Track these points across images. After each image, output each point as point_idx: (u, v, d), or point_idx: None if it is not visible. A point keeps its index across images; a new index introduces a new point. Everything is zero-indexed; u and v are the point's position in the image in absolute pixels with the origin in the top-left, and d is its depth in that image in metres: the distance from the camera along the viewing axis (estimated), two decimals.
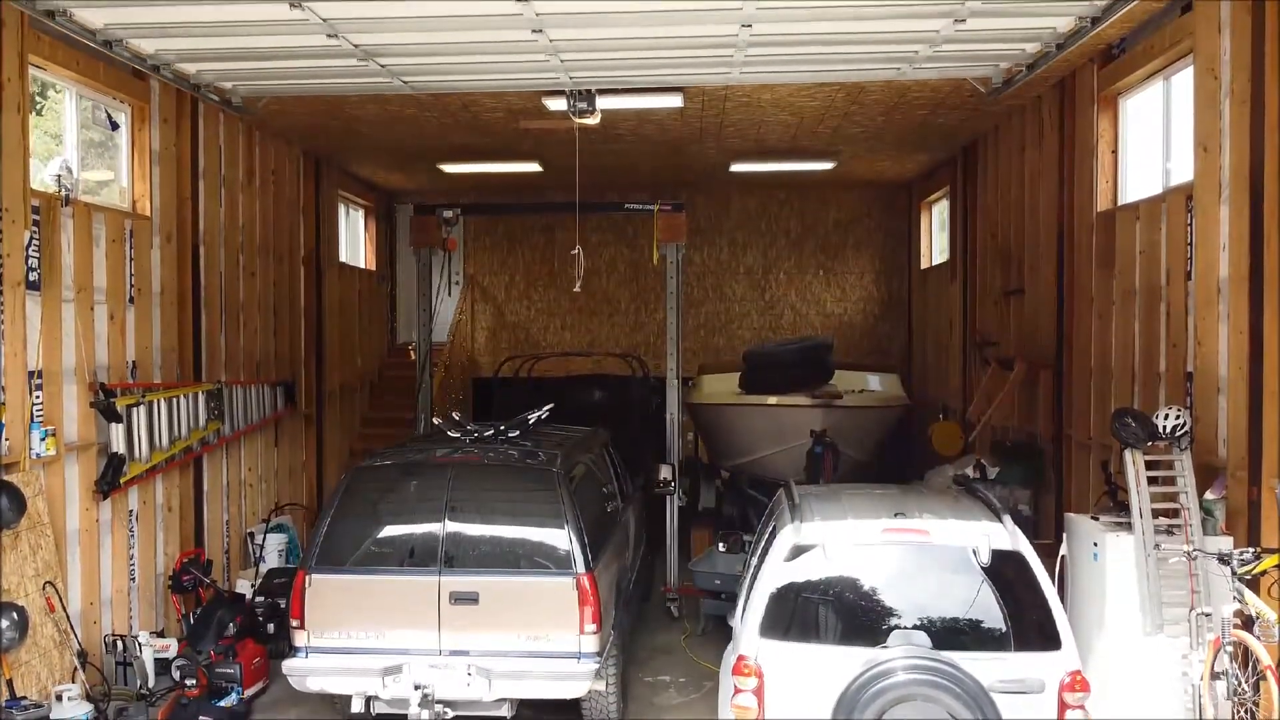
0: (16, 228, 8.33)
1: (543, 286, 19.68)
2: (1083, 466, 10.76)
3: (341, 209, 17.00)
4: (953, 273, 15.75)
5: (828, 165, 15.86)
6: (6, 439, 8.28)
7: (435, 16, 7.26)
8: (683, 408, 13.89)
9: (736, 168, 16.13)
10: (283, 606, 10.69)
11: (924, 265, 18.35)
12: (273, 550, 12.44)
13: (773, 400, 13.84)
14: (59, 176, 9.06)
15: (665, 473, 12.17)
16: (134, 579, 10.27)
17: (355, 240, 18.18)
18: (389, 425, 16.99)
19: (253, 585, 11.49)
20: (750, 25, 7.31)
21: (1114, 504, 8.40)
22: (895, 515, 6.67)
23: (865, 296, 19.66)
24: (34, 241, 8.64)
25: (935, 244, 18.03)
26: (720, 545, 10.04)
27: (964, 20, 7.33)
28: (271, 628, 10.59)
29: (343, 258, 16.87)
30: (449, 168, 15.86)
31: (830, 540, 6.46)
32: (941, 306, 16.61)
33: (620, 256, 19.43)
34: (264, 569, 12.05)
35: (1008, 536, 6.48)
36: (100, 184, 10.87)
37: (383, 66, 8.51)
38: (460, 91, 10.11)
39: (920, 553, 6.51)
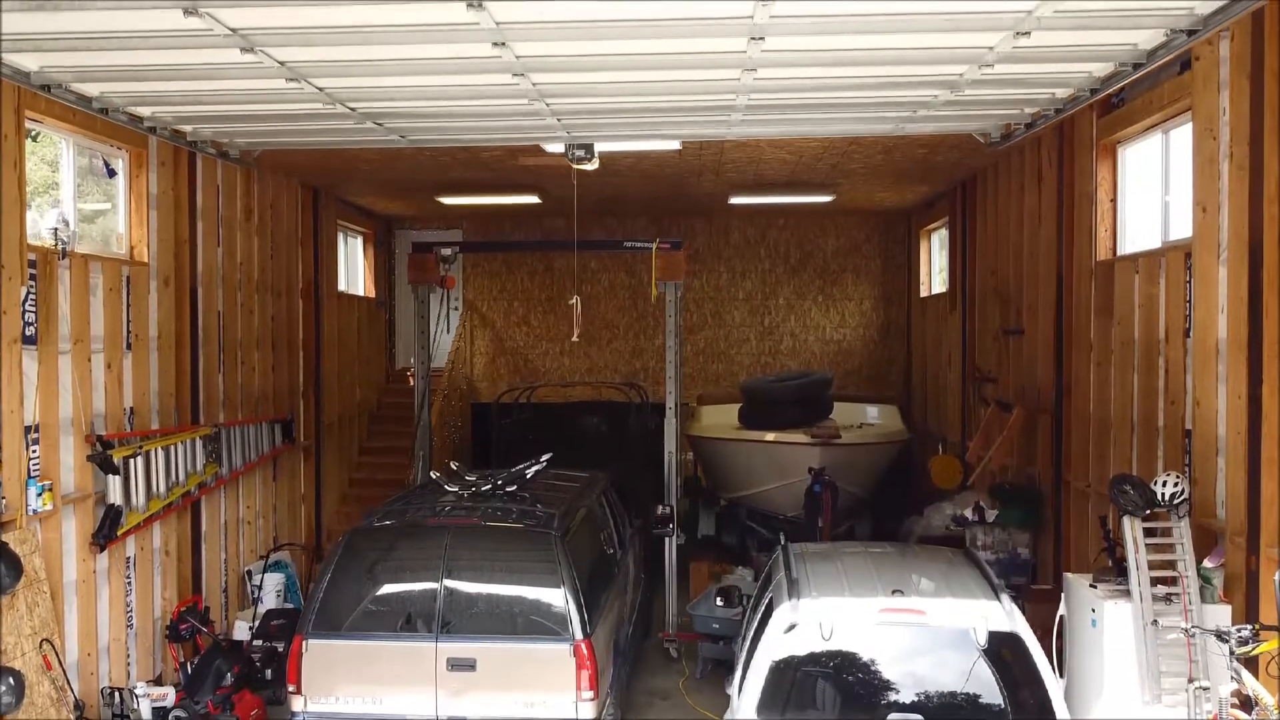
0: (13, 284, 8.31)
1: (541, 312, 19.65)
2: (1081, 513, 10.74)
3: (340, 236, 16.97)
4: (952, 304, 15.74)
5: (827, 198, 15.85)
6: (3, 497, 8.26)
7: (437, 86, 7.24)
8: (681, 437, 13.89)
9: (736, 200, 16.12)
10: (280, 650, 10.69)
11: (923, 293, 18.32)
12: (270, 590, 12.39)
13: (770, 437, 13.86)
14: (56, 230, 9.04)
15: (664, 514, 12.14)
16: (131, 625, 10.26)
17: (354, 267, 18.15)
18: (387, 454, 16.98)
19: (250, 627, 11.46)
20: (749, 94, 7.30)
21: (1112, 561, 8.36)
22: (893, 592, 6.66)
23: (864, 323, 19.63)
24: (30, 296, 8.62)
25: (935, 272, 18.01)
26: (718, 599, 10.06)
27: (963, 90, 7.32)
28: (269, 673, 10.57)
29: (341, 286, 16.84)
30: (448, 200, 15.86)
31: (827, 620, 6.44)
32: (941, 337, 16.59)
33: (619, 283, 19.40)
34: (261, 610, 12.02)
35: (1005, 617, 6.46)
36: (96, 213, 10.83)
37: (380, 125, 8.50)
38: (460, 145, 10.09)
39: (918, 631, 6.51)
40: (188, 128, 9.08)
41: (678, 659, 11.74)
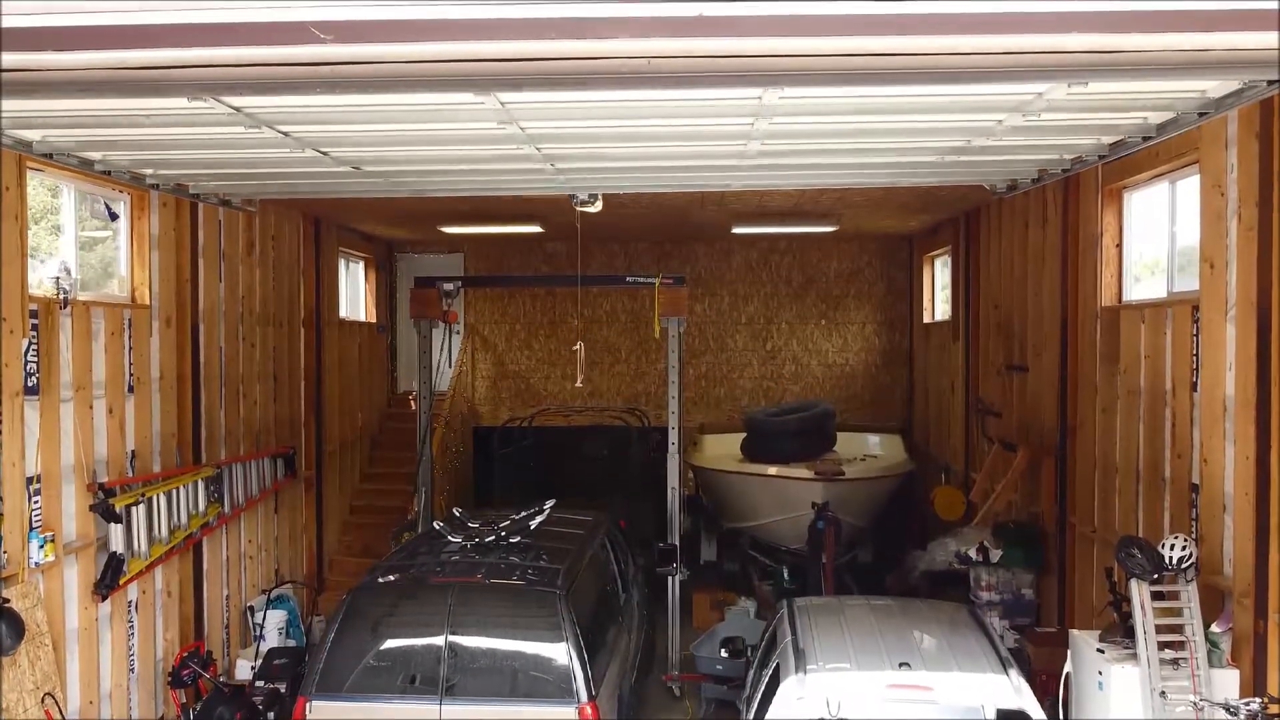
0: (15, 337, 8.27)
1: (543, 336, 19.58)
2: (1086, 557, 10.70)
3: (341, 262, 16.90)
4: (955, 333, 15.68)
5: (829, 228, 15.81)
6: (5, 551, 8.22)
7: (444, 152, 7.21)
8: (684, 464, 13.86)
9: (739, 230, 16.08)
10: (282, 692, 10.66)
11: (926, 319, 18.26)
12: (272, 628, 12.36)
13: (773, 471, 13.83)
14: (57, 278, 8.99)
15: (667, 550, 12.10)
16: (133, 670, 10.23)
17: (355, 291, 18.09)
18: (390, 480, 16.93)
19: (252, 667, 11.42)
20: (754, 157, 7.28)
21: (1118, 615, 8.33)
22: (900, 665, 6.64)
23: (867, 347, 19.56)
24: (32, 347, 8.58)
25: (937, 297, 17.94)
26: (722, 650, 10.04)
27: (968, 154, 7.30)
28: (272, 716, 10.54)
29: (342, 312, 16.77)
30: (450, 229, 15.82)
31: (834, 696, 6.41)
32: (944, 365, 16.52)
33: (621, 307, 19.32)
34: (264, 648, 11.99)
35: (1013, 693, 6.44)
36: (95, 240, 10.72)
37: (386, 179, 8.48)
38: (465, 195, 10.06)
39: (926, 704, 6.48)
40: (189, 183, 9.05)
41: (680, 697, 11.71)
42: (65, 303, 8.90)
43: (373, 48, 3.70)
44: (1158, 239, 9.78)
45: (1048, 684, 9.73)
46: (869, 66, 3.71)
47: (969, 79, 4.12)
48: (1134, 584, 7.53)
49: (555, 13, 3.43)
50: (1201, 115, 6.23)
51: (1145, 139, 6.96)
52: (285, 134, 6.38)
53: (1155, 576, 7.47)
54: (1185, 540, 7.59)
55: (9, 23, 3.48)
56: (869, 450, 15.76)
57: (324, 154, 7.08)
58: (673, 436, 12.55)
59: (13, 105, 5.46)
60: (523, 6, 3.41)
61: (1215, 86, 5.70)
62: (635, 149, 7.13)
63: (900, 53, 3.75)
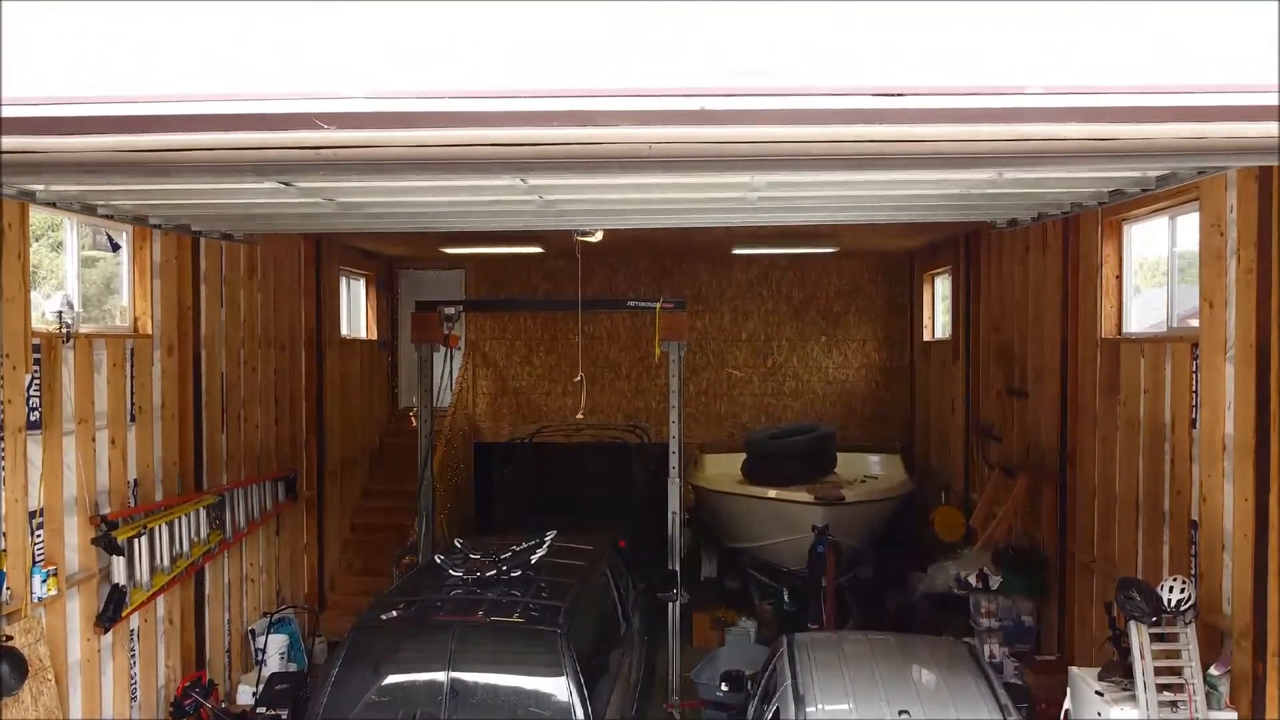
0: (18, 373, 8.29)
1: (544, 352, 19.58)
2: (1086, 585, 10.73)
3: (342, 280, 16.91)
4: (955, 354, 15.70)
5: (829, 250, 15.84)
6: (8, 588, 8.24)
7: (448, 200, 7.24)
8: (684, 483, 13.84)
9: (739, 251, 16.11)
10: (284, 719, 10.69)
11: (926, 337, 18.27)
12: (274, 652, 12.39)
13: (773, 493, 13.85)
14: (60, 313, 9.00)
15: (668, 577, 12.10)
16: (135, 698, 10.26)
17: (356, 309, 18.10)
18: (390, 497, 16.94)
19: (254, 692, 11.45)
20: (753, 204, 7.32)
21: (1117, 650, 8.36)
22: (900, 714, 6.66)
23: (867, 364, 19.56)
24: (35, 382, 8.60)
25: (938, 316, 17.95)
26: (723, 684, 10.07)
27: (965, 200, 7.33)
28: None
29: (344, 331, 16.78)
30: (451, 250, 15.84)
31: None
32: (944, 384, 16.53)
33: (622, 323, 19.30)
34: (265, 672, 12.01)
35: None
36: (94, 258, 10.73)
37: (390, 219, 8.52)
38: (466, 231, 10.09)
39: None
40: (190, 223, 9.08)
41: None
42: (68, 337, 8.91)
43: (374, 133, 3.72)
44: (1159, 254, 9.80)
45: (1046, 712, 9.77)
46: (869, 152, 3.73)
47: (966, 165, 4.15)
48: (1133, 627, 7.55)
49: (558, 106, 3.46)
50: (1200, 173, 6.25)
51: (1144, 190, 6.99)
52: (287, 184, 6.41)
53: (1154, 619, 7.49)
54: (1184, 582, 7.62)
55: (9, 112, 3.49)
56: (869, 471, 15.78)
57: (328, 200, 7.12)
58: (673, 461, 12.52)
59: (13, 161, 5.47)
60: (526, 100, 3.43)
61: None
62: (636, 197, 7.16)
63: (898, 139, 3.77)
